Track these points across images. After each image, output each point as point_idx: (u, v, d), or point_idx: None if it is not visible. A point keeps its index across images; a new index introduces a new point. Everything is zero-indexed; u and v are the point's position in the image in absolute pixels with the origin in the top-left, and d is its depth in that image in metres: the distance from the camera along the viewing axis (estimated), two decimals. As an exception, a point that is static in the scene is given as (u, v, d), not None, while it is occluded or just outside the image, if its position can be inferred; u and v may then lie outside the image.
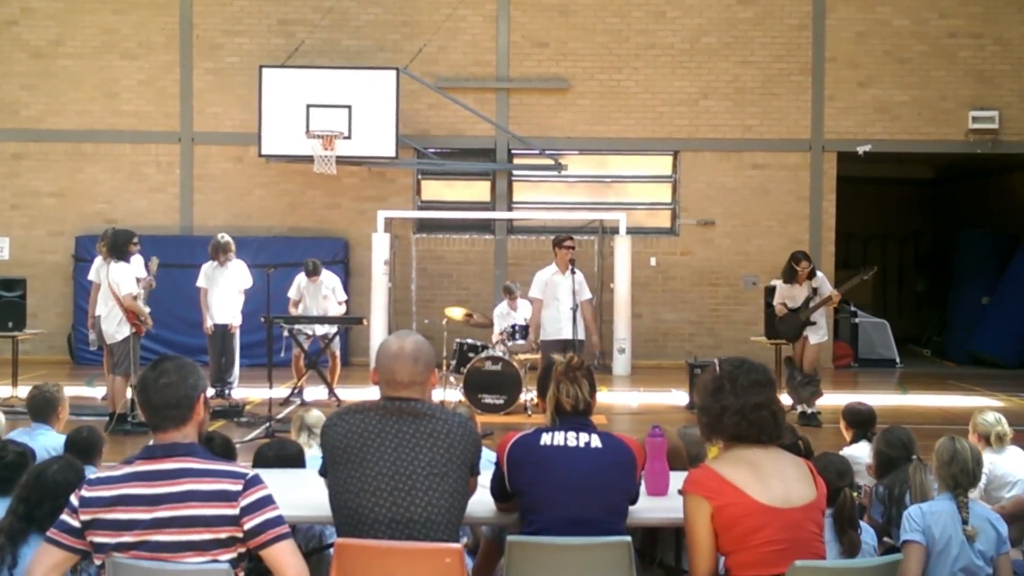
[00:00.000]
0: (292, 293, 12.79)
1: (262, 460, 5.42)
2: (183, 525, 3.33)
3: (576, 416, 4.20)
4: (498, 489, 4.18)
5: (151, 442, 3.51)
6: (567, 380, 4.21)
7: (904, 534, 4.66)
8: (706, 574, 3.63)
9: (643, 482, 4.47)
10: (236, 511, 3.37)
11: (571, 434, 4.09)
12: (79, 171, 16.97)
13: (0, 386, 12.37)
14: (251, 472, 3.46)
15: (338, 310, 12.79)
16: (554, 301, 11.28)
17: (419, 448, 3.79)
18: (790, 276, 11.44)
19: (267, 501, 3.43)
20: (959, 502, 4.65)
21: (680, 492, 3.72)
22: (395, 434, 3.81)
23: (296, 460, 5.31)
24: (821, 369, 12.04)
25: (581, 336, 11.20)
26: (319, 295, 12.71)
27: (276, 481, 4.47)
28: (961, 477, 4.71)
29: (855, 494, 4.72)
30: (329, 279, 12.91)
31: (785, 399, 11.85)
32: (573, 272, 11.19)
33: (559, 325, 11.18)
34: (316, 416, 6.18)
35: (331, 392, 12.17)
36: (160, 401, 3.45)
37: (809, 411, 11.38)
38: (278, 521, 3.43)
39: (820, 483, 3.75)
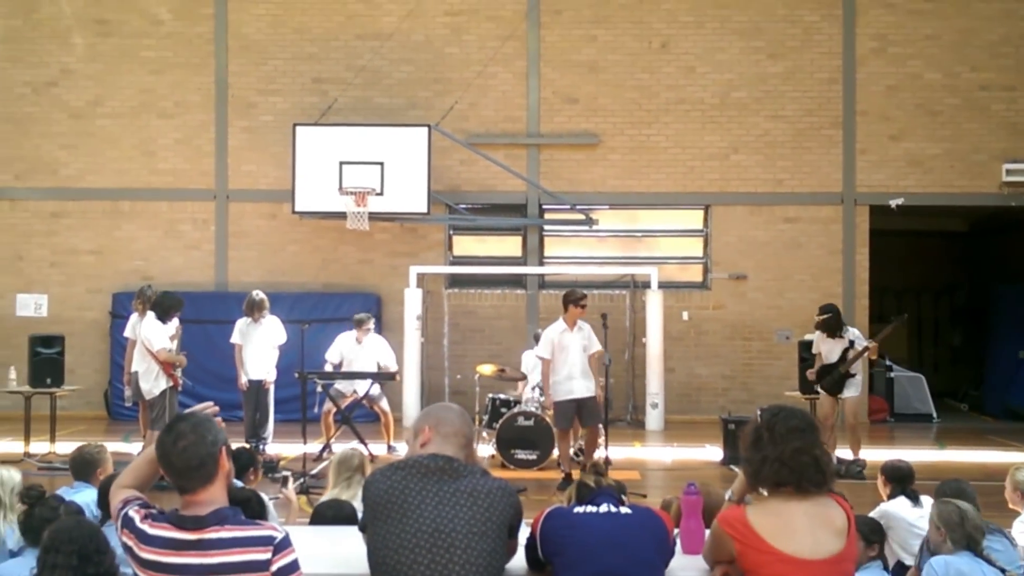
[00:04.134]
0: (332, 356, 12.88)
1: (320, 518, 5.44)
2: None
3: (603, 489, 4.23)
4: (532, 559, 4.17)
5: (179, 507, 3.48)
6: (593, 473, 4.32)
7: None
8: (709, 564, 3.95)
9: (678, 540, 4.45)
10: None
11: (603, 506, 4.14)
12: (116, 229, 17.20)
13: (38, 442, 12.46)
14: (279, 534, 3.42)
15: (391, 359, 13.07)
16: (564, 358, 10.85)
17: (459, 506, 3.78)
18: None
19: (294, 567, 3.41)
20: (984, 557, 4.68)
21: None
22: (436, 492, 3.81)
23: (352, 519, 5.34)
24: (859, 425, 12.04)
25: (593, 392, 10.90)
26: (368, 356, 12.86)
27: (329, 539, 4.52)
28: (976, 534, 4.79)
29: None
30: (376, 342, 13.06)
31: None
32: (579, 328, 10.96)
33: (570, 385, 10.81)
34: (345, 455, 6.35)
35: (390, 448, 12.62)
36: (183, 464, 3.41)
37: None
38: None
39: (852, 537, 3.74)
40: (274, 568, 3.35)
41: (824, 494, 3.78)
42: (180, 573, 3.32)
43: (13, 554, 4.92)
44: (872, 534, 4.79)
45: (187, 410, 3.72)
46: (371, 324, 12.97)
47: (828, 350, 11.83)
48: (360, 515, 5.46)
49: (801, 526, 3.65)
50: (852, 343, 11.70)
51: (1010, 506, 6.22)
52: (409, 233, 17.07)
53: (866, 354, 11.80)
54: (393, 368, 12.95)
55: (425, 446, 3.98)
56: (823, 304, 12.42)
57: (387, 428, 12.75)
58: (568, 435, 11.04)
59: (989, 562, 4.74)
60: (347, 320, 13.67)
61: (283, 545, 3.40)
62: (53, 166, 17.28)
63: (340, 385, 12.74)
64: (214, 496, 3.44)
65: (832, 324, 11.75)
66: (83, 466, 6.32)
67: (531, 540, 4.10)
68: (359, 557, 4.14)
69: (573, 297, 11.10)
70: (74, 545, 4.07)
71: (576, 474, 4.43)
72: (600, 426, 11.09)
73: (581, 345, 10.90)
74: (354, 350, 12.83)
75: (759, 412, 3.94)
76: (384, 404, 12.80)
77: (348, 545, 4.43)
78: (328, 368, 12.72)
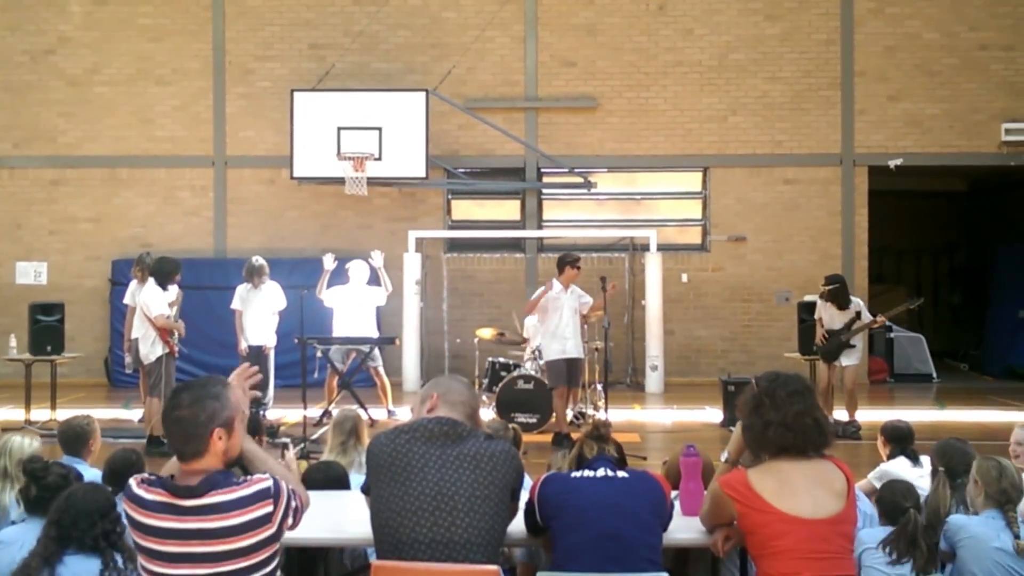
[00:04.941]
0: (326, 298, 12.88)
1: (310, 483, 5.47)
2: (222, 559, 3.37)
3: (602, 456, 4.25)
4: (530, 524, 4.21)
5: (175, 473, 3.51)
6: (592, 439, 4.29)
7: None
8: (707, 526, 4.14)
9: (677, 502, 4.49)
10: (273, 529, 3.42)
11: (600, 470, 4.16)
12: (115, 196, 17.19)
13: (38, 409, 12.52)
14: (269, 483, 3.45)
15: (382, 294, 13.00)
16: (557, 319, 11.15)
17: (462, 470, 3.82)
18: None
19: (291, 497, 3.50)
20: (1009, 517, 4.67)
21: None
22: (439, 455, 3.85)
23: (342, 482, 5.36)
24: (857, 387, 12.07)
25: (582, 355, 11.36)
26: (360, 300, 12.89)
27: (322, 505, 4.52)
28: (1012, 492, 4.76)
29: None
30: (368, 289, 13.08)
31: None
32: (572, 290, 11.29)
33: (564, 344, 11.13)
34: (340, 418, 6.36)
35: (390, 412, 12.62)
36: (172, 434, 3.47)
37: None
38: (296, 496, 3.55)
39: (852, 499, 3.81)
40: (278, 519, 3.43)
41: (823, 457, 3.85)
42: (181, 538, 3.36)
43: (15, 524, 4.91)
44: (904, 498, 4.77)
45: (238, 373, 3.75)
46: (366, 273, 12.97)
47: (830, 317, 11.84)
48: (351, 477, 5.52)
49: (801, 487, 3.74)
50: (859, 314, 11.74)
51: (1016, 463, 6.24)
52: (408, 198, 17.06)
53: (872, 326, 11.96)
54: (387, 291, 13.00)
55: (431, 412, 4.02)
56: (829, 274, 12.25)
57: (384, 392, 12.77)
58: (564, 392, 11.22)
59: (1008, 525, 4.70)
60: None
61: (277, 491, 3.46)
62: (51, 134, 17.23)
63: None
64: (208, 465, 3.46)
65: (840, 295, 11.72)
66: (73, 439, 6.21)
67: (529, 505, 4.14)
68: (348, 522, 4.17)
69: (570, 259, 11.34)
70: (90, 511, 4.11)
71: (576, 435, 4.44)
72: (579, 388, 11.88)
73: (573, 307, 11.23)
74: (347, 297, 12.84)
75: (755, 380, 3.99)
76: (380, 368, 12.83)
77: (336, 510, 4.45)
78: (327, 303, 12.78)
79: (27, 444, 5.53)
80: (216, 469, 3.46)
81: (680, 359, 16.71)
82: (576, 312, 11.26)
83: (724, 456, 4.29)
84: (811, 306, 12.49)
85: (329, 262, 12.75)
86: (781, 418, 3.80)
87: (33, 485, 4.65)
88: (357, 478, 5.49)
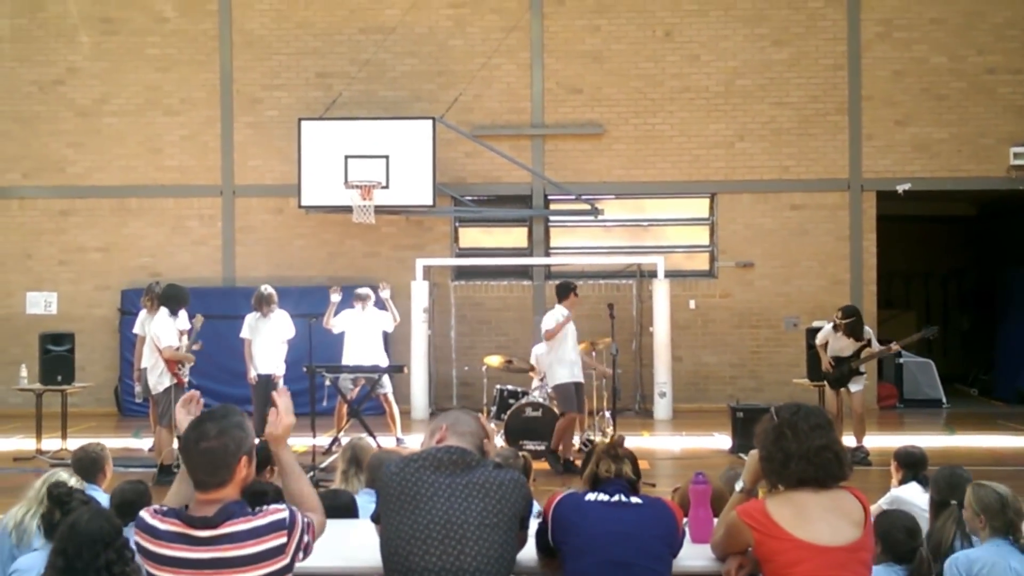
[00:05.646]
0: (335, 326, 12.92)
1: None
2: None
3: (618, 480, 4.22)
4: (542, 545, 4.19)
5: (190, 505, 3.51)
6: (608, 457, 4.26)
7: None
8: (718, 554, 4.05)
9: (687, 529, 4.46)
10: (287, 560, 3.42)
11: (615, 496, 4.14)
12: (124, 226, 17.25)
13: (49, 439, 12.51)
14: (284, 514, 3.47)
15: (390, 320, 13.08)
16: (566, 344, 11.42)
17: (471, 499, 3.82)
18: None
19: (304, 530, 3.50)
20: (1020, 545, 4.62)
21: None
22: (448, 484, 3.85)
23: (348, 510, 5.35)
24: (866, 411, 12.02)
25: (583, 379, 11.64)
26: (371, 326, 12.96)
27: (331, 533, 4.49)
28: (1016, 518, 4.72)
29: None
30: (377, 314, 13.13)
31: None
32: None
33: (573, 369, 11.39)
34: (366, 447, 6.35)
35: (398, 440, 12.59)
36: (196, 464, 3.46)
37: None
38: (310, 528, 3.55)
39: (868, 528, 3.78)
40: (291, 550, 3.44)
41: (839, 487, 3.83)
42: (195, 568, 3.36)
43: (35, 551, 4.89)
44: (910, 537, 4.66)
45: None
46: (372, 299, 13.08)
47: (841, 346, 11.80)
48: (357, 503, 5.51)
49: (818, 515, 3.72)
50: (869, 341, 11.74)
51: None
52: (415, 226, 17.08)
53: (886, 353, 11.98)
54: (395, 322, 13.12)
55: (440, 443, 4.03)
56: (846, 306, 12.16)
57: (392, 419, 12.75)
58: (574, 418, 11.28)
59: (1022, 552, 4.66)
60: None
61: (292, 522, 3.47)
62: (60, 164, 17.32)
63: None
64: (225, 495, 3.48)
65: (858, 327, 11.72)
66: (90, 465, 6.23)
67: (543, 525, 4.13)
68: (358, 550, 4.15)
69: (573, 285, 11.78)
70: (95, 540, 4.07)
71: (598, 451, 4.43)
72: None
73: (574, 333, 11.61)
74: (357, 321, 12.89)
75: (775, 410, 3.96)
76: (390, 395, 12.80)
77: (346, 538, 4.43)
78: (336, 330, 12.85)
79: (69, 479, 5.51)
80: (232, 499, 3.48)
81: (688, 385, 16.67)
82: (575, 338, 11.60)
83: (739, 485, 4.26)
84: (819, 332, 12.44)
85: (336, 295, 12.78)
86: (803, 452, 3.78)
87: (57, 510, 4.63)
88: (360, 501, 5.49)
